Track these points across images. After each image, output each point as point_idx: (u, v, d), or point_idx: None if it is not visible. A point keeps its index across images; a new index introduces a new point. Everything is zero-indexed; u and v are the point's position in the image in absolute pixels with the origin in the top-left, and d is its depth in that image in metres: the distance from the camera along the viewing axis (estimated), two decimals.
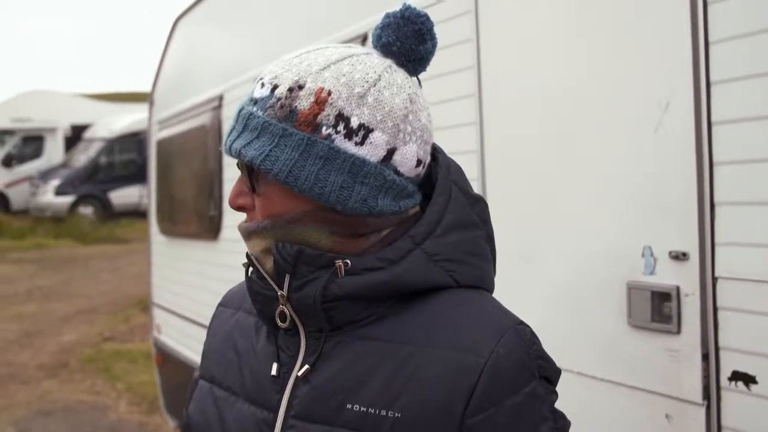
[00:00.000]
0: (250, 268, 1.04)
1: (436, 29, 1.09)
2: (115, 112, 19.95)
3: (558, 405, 1.01)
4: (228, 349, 1.11)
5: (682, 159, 1.82)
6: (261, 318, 1.05)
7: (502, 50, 2.43)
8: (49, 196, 17.47)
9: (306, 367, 0.98)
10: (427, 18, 1.04)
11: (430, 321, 0.97)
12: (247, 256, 1.04)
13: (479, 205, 1.07)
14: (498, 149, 2.45)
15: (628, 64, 2.00)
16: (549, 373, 1.00)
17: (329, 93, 0.96)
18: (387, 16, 1.03)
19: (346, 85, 0.97)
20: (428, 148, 1.05)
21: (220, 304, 1.22)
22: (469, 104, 2.54)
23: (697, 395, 1.80)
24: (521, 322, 1.00)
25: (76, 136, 19.88)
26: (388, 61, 1.02)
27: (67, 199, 17.46)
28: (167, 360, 5.42)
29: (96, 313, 10.22)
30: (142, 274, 9.69)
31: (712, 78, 1.76)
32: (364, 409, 0.94)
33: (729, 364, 1.74)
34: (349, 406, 0.95)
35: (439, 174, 1.05)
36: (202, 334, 1.28)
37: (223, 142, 1.01)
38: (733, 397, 1.73)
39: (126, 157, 17.97)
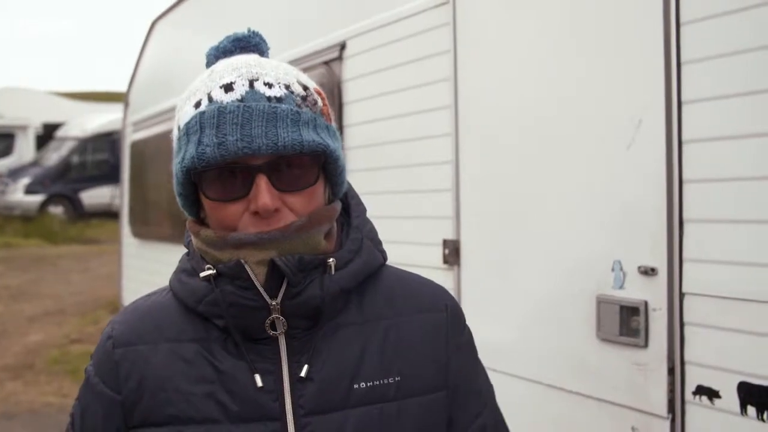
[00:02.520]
0: (218, 279, 1.02)
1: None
2: (88, 112, 19.69)
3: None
4: (181, 383, 1.03)
5: (653, 176, 1.86)
6: (233, 329, 1.02)
7: (480, 63, 2.45)
8: (18, 195, 17.17)
9: (306, 366, 1.02)
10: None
11: (387, 295, 1.10)
12: (219, 269, 1.01)
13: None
14: (473, 161, 2.48)
15: (603, 82, 2.03)
16: None
17: (321, 92, 1.07)
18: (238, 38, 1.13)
19: (318, 85, 1.08)
20: None
21: (118, 347, 1.07)
22: (445, 115, 2.56)
23: (663, 408, 1.83)
24: None
25: (47, 134, 19.60)
26: None
27: (37, 198, 17.18)
28: None
29: (64, 314, 10.07)
30: (112, 275, 9.54)
31: (684, 98, 1.80)
32: (370, 383, 1.04)
33: (694, 378, 1.77)
34: (356, 386, 1.03)
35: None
36: None
37: (244, 145, 0.96)
38: (697, 411, 1.77)
39: (98, 157, 17.73)
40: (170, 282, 1.10)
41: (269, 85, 1.01)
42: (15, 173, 17.96)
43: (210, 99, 1.00)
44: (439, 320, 1.11)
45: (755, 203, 1.67)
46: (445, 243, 2.55)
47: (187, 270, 1.08)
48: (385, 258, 1.13)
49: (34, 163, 18.43)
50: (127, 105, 5.88)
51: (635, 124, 1.91)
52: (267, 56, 1.12)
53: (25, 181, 17.28)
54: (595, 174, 2.04)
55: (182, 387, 1.03)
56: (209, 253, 1.04)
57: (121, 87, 5.91)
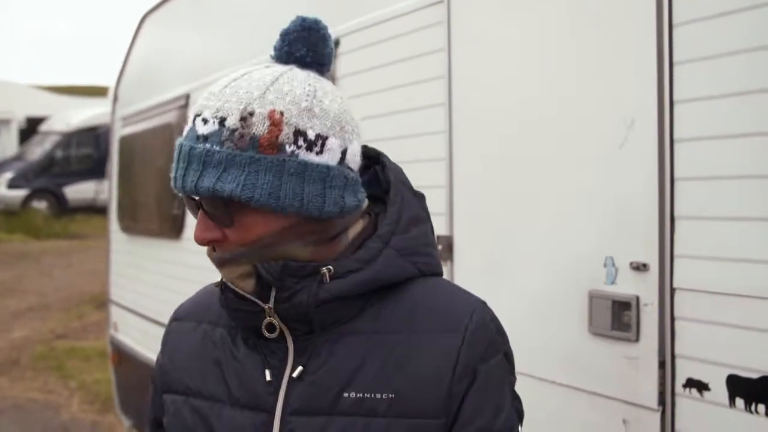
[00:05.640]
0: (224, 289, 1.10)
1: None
2: (72, 106, 19.56)
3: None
4: (202, 360, 1.15)
5: (646, 174, 1.90)
6: (245, 331, 1.11)
7: (474, 62, 2.49)
8: (1, 189, 17.06)
9: (300, 368, 1.06)
10: (323, 23, 1.14)
11: (409, 309, 1.09)
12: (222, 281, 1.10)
13: (423, 200, 1.19)
14: (466, 158, 2.51)
15: (597, 81, 2.07)
16: (507, 348, 1.14)
17: (282, 113, 1.02)
18: (288, 32, 1.12)
19: (293, 103, 1.03)
20: (360, 140, 1.14)
21: (174, 320, 1.25)
22: (438, 113, 2.59)
23: (653, 401, 1.87)
24: (484, 302, 1.14)
25: (31, 128, 19.47)
26: (311, 72, 1.10)
27: (21, 193, 17.07)
28: (124, 359, 5.36)
29: (48, 309, 10.02)
30: (96, 271, 9.50)
31: (676, 97, 1.84)
32: (361, 395, 1.04)
33: (684, 371, 1.82)
34: (345, 394, 1.04)
35: (390, 176, 1.15)
36: (162, 334, 1.29)
37: (175, 184, 1.03)
38: (687, 404, 1.81)
39: (82, 152, 17.62)
40: None
41: (205, 121, 1.02)
42: None
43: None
44: (453, 343, 1.06)
45: (745, 201, 1.71)
46: (438, 239, 2.58)
47: None
48: (421, 270, 1.11)
49: (18, 157, 18.32)
50: (116, 99, 5.86)
51: (628, 123, 1.95)
52: (331, 43, 1.13)
53: (8, 175, 17.17)
54: (588, 172, 2.08)
55: (203, 365, 1.14)
56: None
57: (104, 81, 5.88)
